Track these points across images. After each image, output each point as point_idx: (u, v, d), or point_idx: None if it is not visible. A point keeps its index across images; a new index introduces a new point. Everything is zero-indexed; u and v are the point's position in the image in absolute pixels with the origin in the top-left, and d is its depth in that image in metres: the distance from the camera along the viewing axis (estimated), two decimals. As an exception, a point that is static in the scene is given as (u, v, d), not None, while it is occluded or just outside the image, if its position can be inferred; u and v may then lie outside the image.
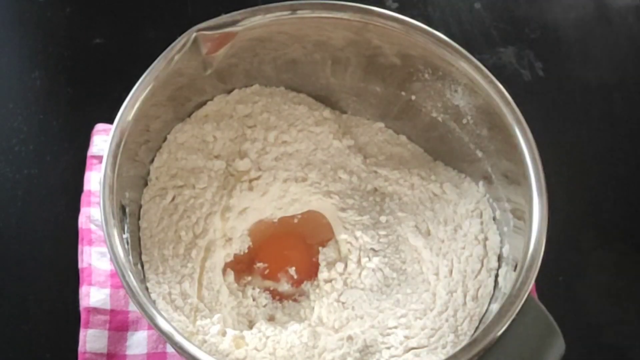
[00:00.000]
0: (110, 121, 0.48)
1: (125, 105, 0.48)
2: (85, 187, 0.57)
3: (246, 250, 0.54)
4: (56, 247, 0.56)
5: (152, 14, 0.67)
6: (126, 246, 0.46)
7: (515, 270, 0.46)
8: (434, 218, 0.54)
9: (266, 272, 0.53)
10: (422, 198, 0.55)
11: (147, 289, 0.48)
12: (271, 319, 0.51)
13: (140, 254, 0.49)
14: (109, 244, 0.44)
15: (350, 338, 0.48)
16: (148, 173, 0.52)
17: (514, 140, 0.48)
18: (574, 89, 0.67)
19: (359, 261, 0.53)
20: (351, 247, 0.54)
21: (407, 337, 0.49)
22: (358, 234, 0.54)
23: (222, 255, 0.53)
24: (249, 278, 0.53)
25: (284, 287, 0.53)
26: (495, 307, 0.48)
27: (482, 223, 0.52)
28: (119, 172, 0.47)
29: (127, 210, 0.48)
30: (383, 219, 0.54)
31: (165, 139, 0.54)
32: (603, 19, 0.70)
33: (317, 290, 0.52)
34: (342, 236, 0.54)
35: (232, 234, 0.53)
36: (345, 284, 0.52)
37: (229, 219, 0.53)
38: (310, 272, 0.53)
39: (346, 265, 0.53)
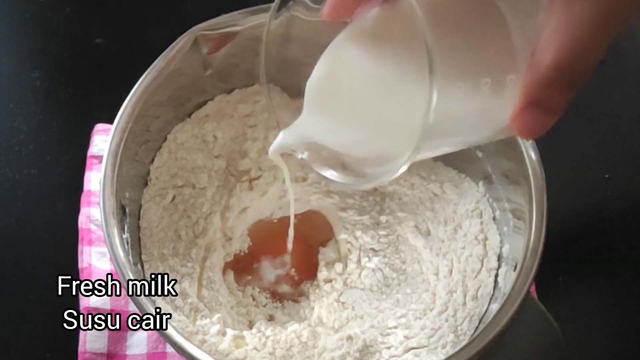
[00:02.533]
0: (110, 121, 0.48)
1: (125, 105, 0.48)
2: (85, 187, 0.57)
3: (246, 250, 0.54)
4: (56, 247, 0.56)
5: (152, 13, 0.67)
6: (126, 246, 0.46)
7: (515, 270, 0.46)
8: (434, 218, 0.54)
9: (266, 272, 0.53)
10: (422, 198, 0.55)
11: (147, 288, 0.48)
12: (271, 318, 0.51)
13: (140, 254, 0.49)
14: (109, 244, 0.44)
15: (350, 338, 0.48)
16: (148, 173, 0.52)
17: (514, 139, 0.47)
18: (573, 89, 0.66)
19: (358, 261, 0.53)
20: (351, 247, 0.54)
21: (407, 337, 0.48)
22: (358, 234, 0.54)
23: (222, 254, 0.53)
24: (249, 278, 0.53)
25: (284, 287, 0.53)
26: (495, 307, 0.48)
27: (482, 223, 0.52)
28: (119, 172, 0.47)
29: (127, 210, 0.48)
30: (383, 219, 0.54)
31: (165, 139, 0.54)
32: (603, 18, 0.70)
33: (317, 290, 0.52)
34: (342, 236, 0.54)
35: (232, 233, 0.53)
36: (345, 284, 0.52)
37: (229, 218, 0.53)
38: (310, 272, 0.53)
39: (346, 265, 0.53)
